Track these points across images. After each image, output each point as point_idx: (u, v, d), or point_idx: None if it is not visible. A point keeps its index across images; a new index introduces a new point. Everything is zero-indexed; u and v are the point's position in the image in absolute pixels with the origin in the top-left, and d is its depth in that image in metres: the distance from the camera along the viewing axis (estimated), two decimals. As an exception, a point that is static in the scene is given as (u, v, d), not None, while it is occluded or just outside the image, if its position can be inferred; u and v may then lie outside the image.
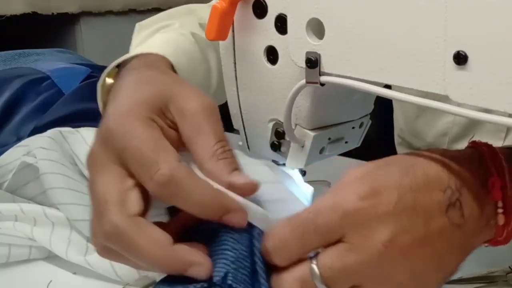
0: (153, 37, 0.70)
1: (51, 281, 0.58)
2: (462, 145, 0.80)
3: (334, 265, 0.43)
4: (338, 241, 0.43)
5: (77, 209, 0.62)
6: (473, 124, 0.82)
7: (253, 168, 0.52)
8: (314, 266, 0.43)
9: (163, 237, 0.44)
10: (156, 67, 0.59)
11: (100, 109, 0.66)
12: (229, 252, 0.45)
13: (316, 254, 0.44)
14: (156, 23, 0.74)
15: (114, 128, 0.46)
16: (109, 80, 0.64)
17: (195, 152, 0.47)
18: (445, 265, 0.46)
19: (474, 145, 0.50)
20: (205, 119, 0.47)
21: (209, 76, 0.73)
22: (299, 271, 0.44)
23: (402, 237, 0.43)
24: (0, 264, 0.61)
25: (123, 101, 0.49)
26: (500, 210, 0.46)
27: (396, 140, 0.98)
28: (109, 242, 0.45)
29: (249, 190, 0.46)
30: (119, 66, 0.64)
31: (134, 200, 0.45)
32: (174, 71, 0.62)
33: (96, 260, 0.58)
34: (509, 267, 0.56)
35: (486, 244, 0.48)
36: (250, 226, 0.46)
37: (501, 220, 0.46)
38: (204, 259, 0.44)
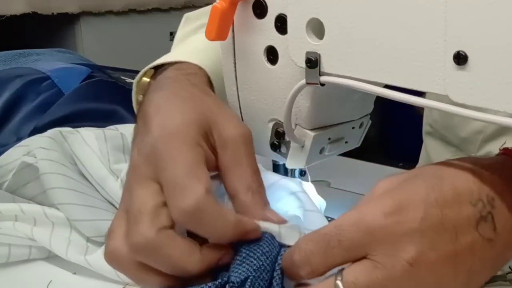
0: (196, 35, 0.70)
1: (51, 281, 0.58)
2: (494, 144, 0.79)
3: (359, 282, 0.42)
4: (363, 257, 0.43)
5: (77, 209, 0.62)
6: None
7: (284, 181, 0.55)
8: (339, 283, 0.42)
9: (192, 245, 0.45)
10: (195, 83, 0.58)
11: (134, 105, 0.67)
12: (253, 260, 0.45)
13: (341, 270, 0.43)
14: (204, 15, 0.72)
15: (161, 148, 0.47)
16: (146, 79, 0.65)
17: (232, 182, 0.49)
18: (476, 280, 0.44)
19: (506, 151, 0.48)
20: (244, 150, 0.49)
21: None
22: (323, 287, 0.43)
23: (428, 254, 0.42)
24: (0, 264, 0.61)
25: (170, 119, 0.49)
26: None
27: (425, 129, 0.97)
28: (139, 254, 0.45)
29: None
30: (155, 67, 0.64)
31: (167, 215, 0.46)
32: (210, 80, 0.63)
33: (96, 260, 0.58)
34: (510, 267, 0.56)
35: None
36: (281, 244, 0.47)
37: None
38: (229, 248, 0.46)
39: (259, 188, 0.49)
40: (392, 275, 0.42)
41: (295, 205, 0.50)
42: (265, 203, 0.49)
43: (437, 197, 0.43)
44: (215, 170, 0.49)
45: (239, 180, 0.48)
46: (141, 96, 0.64)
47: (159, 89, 0.56)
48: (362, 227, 0.42)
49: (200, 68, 0.62)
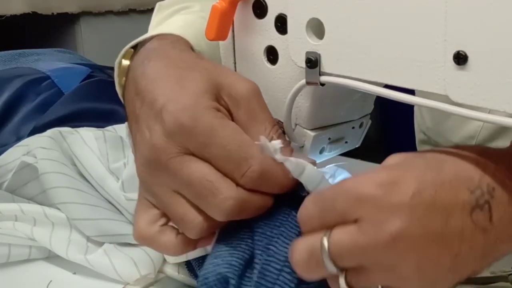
0: (172, 18, 0.69)
1: (51, 281, 0.58)
2: None
3: (342, 243, 0.43)
4: (354, 222, 0.43)
5: (78, 208, 0.62)
6: (502, 129, 0.79)
7: None
8: (325, 239, 0.43)
9: None
10: (183, 49, 0.58)
11: (117, 87, 0.65)
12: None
13: (332, 229, 0.44)
14: (176, 3, 0.72)
15: (190, 124, 0.47)
16: (125, 62, 0.63)
17: (254, 138, 0.50)
18: (461, 266, 0.44)
19: None
20: (257, 105, 0.51)
21: None
22: (310, 240, 0.45)
23: (413, 230, 0.41)
24: (0, 264, 0.61)
25: (180, 93, 0.49)
26: None
27: (419, 137, 0.96)
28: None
29: None
30: (135, 47, 0.63)
31: None
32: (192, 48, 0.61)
33: (96, 259, 0.58)
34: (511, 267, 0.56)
35: None
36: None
37: None
38: None
39: (281, 137, 0.50)
40: (373, 244, 0.42)
41: None
42: (292, 149, 0.51)
43: (434, 177, 0.43)
44: None
45: (261, 135, 0.49)
46: (124, 79, 0.62)
47: (147, 60, 0.54)
48: (353, 195, 0.43)
49: (182, 38, 0.61)
